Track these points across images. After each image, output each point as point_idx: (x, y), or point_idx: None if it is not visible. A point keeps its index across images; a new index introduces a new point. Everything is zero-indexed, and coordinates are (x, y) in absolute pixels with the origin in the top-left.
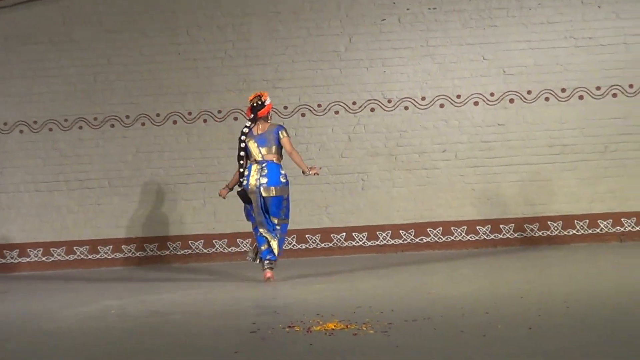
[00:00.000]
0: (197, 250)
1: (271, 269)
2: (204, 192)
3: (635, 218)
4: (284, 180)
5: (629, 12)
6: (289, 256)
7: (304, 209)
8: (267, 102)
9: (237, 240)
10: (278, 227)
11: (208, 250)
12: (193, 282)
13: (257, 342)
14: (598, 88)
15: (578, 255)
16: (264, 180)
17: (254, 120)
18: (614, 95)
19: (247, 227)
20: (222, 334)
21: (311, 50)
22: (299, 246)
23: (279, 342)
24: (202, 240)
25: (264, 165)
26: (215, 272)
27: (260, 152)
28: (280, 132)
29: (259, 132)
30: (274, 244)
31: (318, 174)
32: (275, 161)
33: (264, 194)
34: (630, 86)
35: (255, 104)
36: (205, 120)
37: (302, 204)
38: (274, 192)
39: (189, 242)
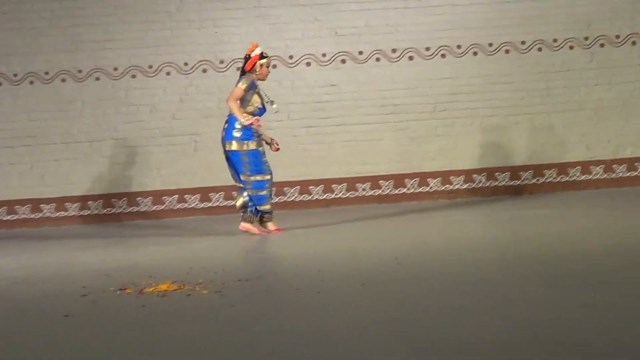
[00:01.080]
0: (24, 215)
1: (245, 220)
2: (31, 156)
3: (463, 176)
4: (238, 135)
5: None
6: (119, 220)
7: (134, 171)
8: (253, 54)
9: (65, 204)
10: (249, 185)
11: (36, 216)
12: (20, 247)
13: (88, 305)
14: (427, 49)
15: (409, 214)
16: (223, 134)
17: (242, 74)
18: (443, 55)
19: (77, 190)
20: (50, 298)
21: (141, 10)
22: (130, 209)
23: (110, 304)
24: (30, 205)
25: (226, 118)
26: (44, 236)
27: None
28: (237, 83)
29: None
30: (239, 201)
31: (253, 125)
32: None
33: (225, 149)
34: (458, 47)
35: (245, 57)
36: (31, 82)
37: (133, 166)
38: (228, 147)
39: (15, 207)
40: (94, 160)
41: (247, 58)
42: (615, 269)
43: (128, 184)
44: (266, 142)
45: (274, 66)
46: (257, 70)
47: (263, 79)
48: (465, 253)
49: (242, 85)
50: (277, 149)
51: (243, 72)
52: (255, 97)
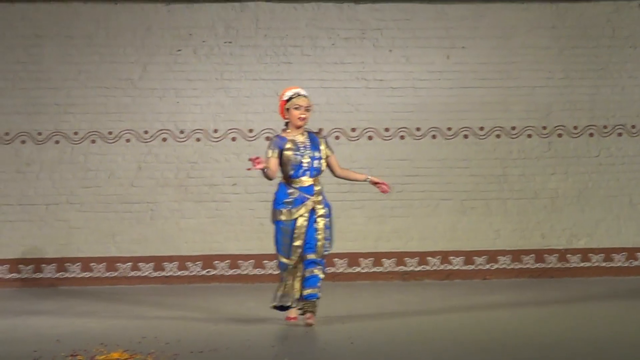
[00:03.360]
0: None
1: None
2: None
3: (418, 258)
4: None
5: (419, 58)
6: (72, 284)
7: (89, 236)
8: (282, 99)
9: (19, 266)
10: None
11: None
12: None
13: None
14: (387, 129)
15: (363, 293)
16: None
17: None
18: (402, 137)
19: (30, 253)
20: None
21: (104, 76)
22: (83, 274)
23: None
24: None
25: None
26: None
27: None
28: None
29: None
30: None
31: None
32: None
33: None
34: (418, 129)
35: None
36: None
37: (88, 231)
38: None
39: None
40: (49, 224)
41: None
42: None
43: (82, 249)
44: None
45: (233, 139)
46: (288, 117)
47: (297, 125)
48: (419, 337)
49: (269, 154)
50: (385, 190)
51: (286, 122)
52: (288, 155)
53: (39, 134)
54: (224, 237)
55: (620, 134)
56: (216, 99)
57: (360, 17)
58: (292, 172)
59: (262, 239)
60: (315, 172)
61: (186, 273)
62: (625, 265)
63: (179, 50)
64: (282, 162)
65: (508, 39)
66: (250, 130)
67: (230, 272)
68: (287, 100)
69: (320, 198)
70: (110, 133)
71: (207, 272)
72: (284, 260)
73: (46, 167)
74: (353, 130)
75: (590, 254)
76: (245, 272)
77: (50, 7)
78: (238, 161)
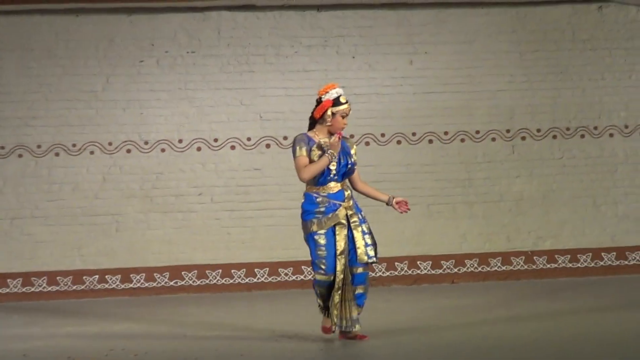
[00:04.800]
0: None
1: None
2: None
3: (385, 263)
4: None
5: (382, 64)
6: (38, 298)
7: (55, 250)
8: (324, 98)
9: None
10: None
11: None
12: None
13: None
14: (351, 136)
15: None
16: None
17: (311, 122)
18: (367, 143)
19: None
20: None
21: (66, 89)
22: (49, 288)
23: None
24: None
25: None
26: None
27: None
28: (293, 152)
29: None
30: None
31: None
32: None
33: None
34: (382, 135)
35: (316, 101)
36: None
37: (54, 245)
38: None
39: None
40: (15, 238)
41: (318, 102)
42: None
43: (48, 262)
44: (387, 203)
45: (198, 149)
46: (328, 120)
47: (337, 131)
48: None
49: (299, 152)
50: (405, 209)
51: (312, 120)
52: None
53: (2, 147)
54: (190, 247)
55: (582, 136)
56: (180, 109)
57: (323, 24)
58: (319, 178)
59: (229, 248)
60: (343, 178)
61: (153, 284)
62: (591, 265)
63: (142, 61)
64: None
65: (470, 44)
66: (215, 140)
67: (198, 282)
68: (335, 104)
69: (351, 203)
70: (74, 145)
71: (175, 282)
72: (320, 277)
73: (10, 181)
74: None
75: (556, 255)
76: (213, 282)
77: (10, 20)
78: (203, 171)
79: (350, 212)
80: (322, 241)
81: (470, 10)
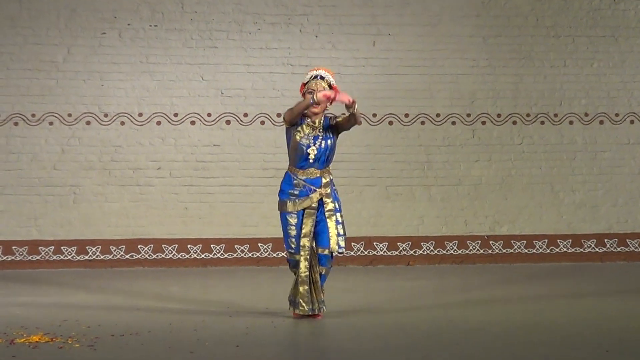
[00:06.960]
0: None
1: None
2: None
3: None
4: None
5: (344, 44)
6: None
7: (11, 219)
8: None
9: None
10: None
11: None
12: None
13: None
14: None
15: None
16: None
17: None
18: None
19: None
20: None
21: (27, 58)
22: (4, 257)
23: None
24: None
25: None
26: None
27: None
28: None
29: None
30: None
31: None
32: None
33: None
34: (342, 115)
35: None
36: None
37: (10, 214)
38: None
39: None
40: None
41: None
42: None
43: (4, 232)
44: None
45: (158, 123)
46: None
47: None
48: (340, 322)
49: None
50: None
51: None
52: (297, 139)
53: None
54: (147, 221)
55: (542, 122)
56: (141, 83)
57: (287, 2)
58: (298, 162)
59: (186, 223)
60: (325, 164)
61: (109, 257)
62: (547, 252)
63: (104, 33)
64: (290, 145)
65: (433, 27)
66: (175, 115)
67: (154, 256)
68: (305, 84)
69: (329, 190)
70: (33, 116)
71: (131, 256)
72: (290, 256)
73: None
74: (278, 115)
75: (513, 241)
76: (169, 257)
77: None
78: (163, 145)
79: (326, 199)
80: (293, 220)
81: None
